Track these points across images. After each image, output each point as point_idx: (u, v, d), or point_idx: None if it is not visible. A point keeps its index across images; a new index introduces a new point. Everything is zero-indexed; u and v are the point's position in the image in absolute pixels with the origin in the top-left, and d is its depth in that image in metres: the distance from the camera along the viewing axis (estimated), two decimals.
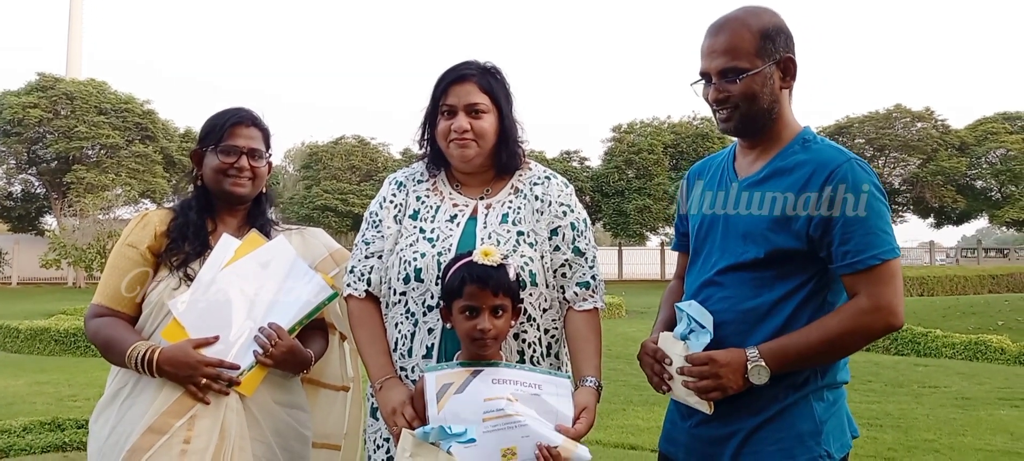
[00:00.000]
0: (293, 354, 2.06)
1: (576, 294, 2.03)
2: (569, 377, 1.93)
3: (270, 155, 2.26)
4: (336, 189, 37.58)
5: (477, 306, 1.82)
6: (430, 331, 1.97)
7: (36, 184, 36.04)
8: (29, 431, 5.61)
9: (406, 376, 1.99)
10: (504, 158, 2.06)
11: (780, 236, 1.75)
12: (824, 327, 1.71)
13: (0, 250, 35.12)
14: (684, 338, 1.81)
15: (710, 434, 1.82)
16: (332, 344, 2.32)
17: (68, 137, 32.48)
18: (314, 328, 2.19)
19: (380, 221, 2.10)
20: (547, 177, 2.12)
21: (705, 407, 1.78)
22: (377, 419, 2.05)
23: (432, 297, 1.96)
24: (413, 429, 1.81)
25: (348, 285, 2.09)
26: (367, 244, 2.09)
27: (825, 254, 1.72)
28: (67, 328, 11.32)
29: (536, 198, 2.06)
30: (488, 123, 2.02)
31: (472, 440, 1.70)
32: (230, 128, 2.17)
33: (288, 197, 39.75)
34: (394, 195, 2.13)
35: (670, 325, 1.96)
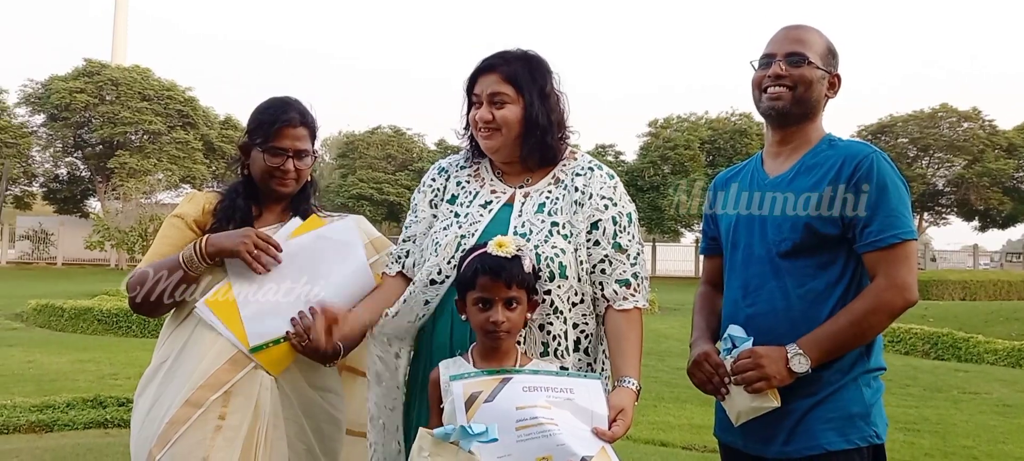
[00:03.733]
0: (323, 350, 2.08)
1: (615, 292, 1.97)
2: (600, 377, 1.90)
3: (316, 150, 2.29)
4: (371, 178, 37.95)
5: (490, 298, 1.79)
6: (426, 303, 1.99)
7: (81, 167, 37.02)
8: (72, 407, 5.78)
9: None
10: (527, 149, 2.03)
11: (817, 221, 1.90)
12: (851, 310, 1.86)
13: (46, 231, 36.16)
14: (729, 353, 1.95)
15: (765, 418, 1.89)
16: (368, 335, 2.34)
17: (113, 122, 33.30)
18: None
19: (416, 206, 2.15)
20: (590, 168, 2.08)
21: (772, 401, 1.87)
22: (382, 413, 2.08)
23: (438, 272, 1.97)
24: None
25: (386, 266, 2.16)
26: (406, 228, 2.16)
27: (852, 235, 1.88)
28: (110, 308, 11.62)
29: (576, 189, 2.03)
30: (511, 113, 2.00)
31: (494, 439, 1.67)
32: (278, 129, 2.18)
33: (324, 185, 40.24)
34: (433, 180, 2.16)
35: (710, 332, 2.11)
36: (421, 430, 1.74)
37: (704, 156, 35.70)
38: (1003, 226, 39.50)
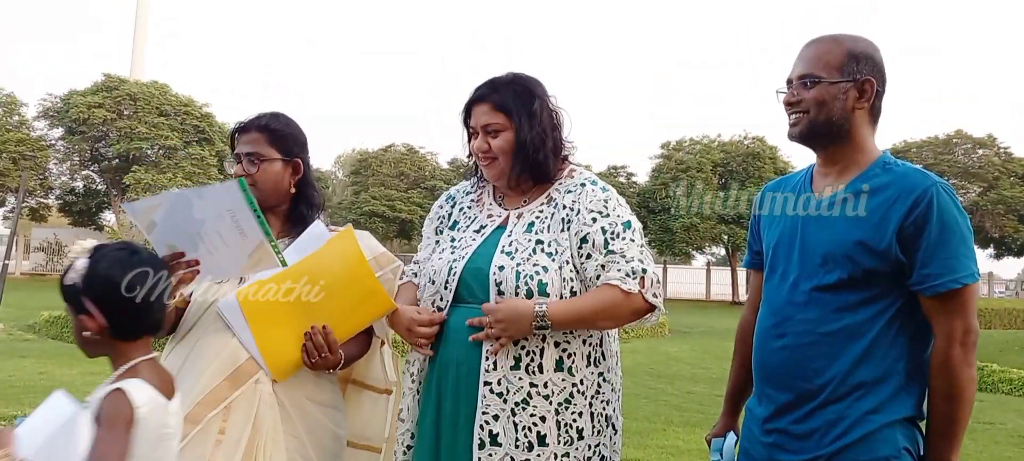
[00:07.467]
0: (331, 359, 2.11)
1: (623, 278, 1.92)
2: (86, 405, 1.61)
3: (286, 158, 2.21)
4: (384, 195, 38.09)
5: None
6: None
7: (98, 181, 37.34)
8: None
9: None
10: (517, 169, 2.05)
11: (864, 256, 1.75)
12: (938, 396, 1.75)
13: (61, 243, 36.47)
14: None
15: (791, 459, 1.82)
16: (373, 347, 2.35)
17: (130, 137, 33.60)
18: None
19: (427, 235, 2.25)
20: (582, 185, 2.06)
21: None
22: (403, 421, 2.13)
23: (441, 299, 2.04)
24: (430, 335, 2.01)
25: (401, 276, 2.27)
26: (418, 252, 2.26)
27: (904, 273, 1.74)
28: None
29: (565, 207, 2.03)
30: (504, 140, 2.04)
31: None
32: (234, 140, 2.25)
33: (337, 202, 40.43)
34: (441, 207, 2.25)
35: (745, 366, 2.05)
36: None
37: (716, 179, 35.61)
38: (1018, 254, 39.10)
